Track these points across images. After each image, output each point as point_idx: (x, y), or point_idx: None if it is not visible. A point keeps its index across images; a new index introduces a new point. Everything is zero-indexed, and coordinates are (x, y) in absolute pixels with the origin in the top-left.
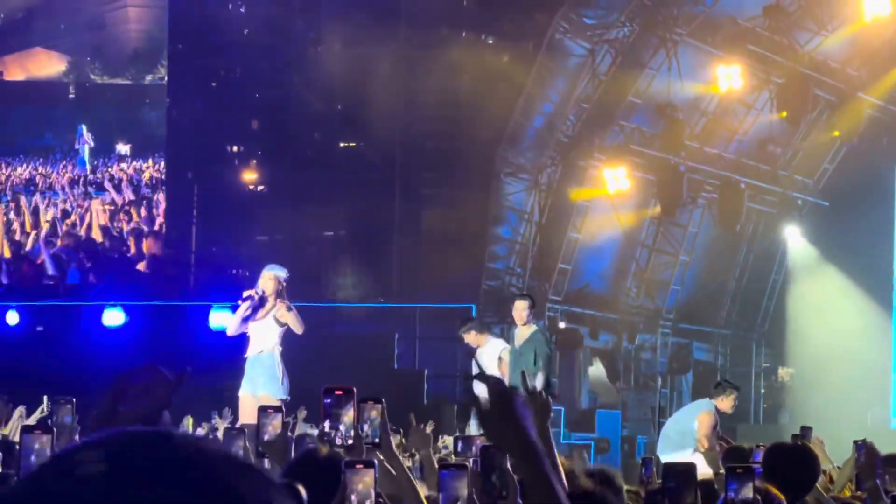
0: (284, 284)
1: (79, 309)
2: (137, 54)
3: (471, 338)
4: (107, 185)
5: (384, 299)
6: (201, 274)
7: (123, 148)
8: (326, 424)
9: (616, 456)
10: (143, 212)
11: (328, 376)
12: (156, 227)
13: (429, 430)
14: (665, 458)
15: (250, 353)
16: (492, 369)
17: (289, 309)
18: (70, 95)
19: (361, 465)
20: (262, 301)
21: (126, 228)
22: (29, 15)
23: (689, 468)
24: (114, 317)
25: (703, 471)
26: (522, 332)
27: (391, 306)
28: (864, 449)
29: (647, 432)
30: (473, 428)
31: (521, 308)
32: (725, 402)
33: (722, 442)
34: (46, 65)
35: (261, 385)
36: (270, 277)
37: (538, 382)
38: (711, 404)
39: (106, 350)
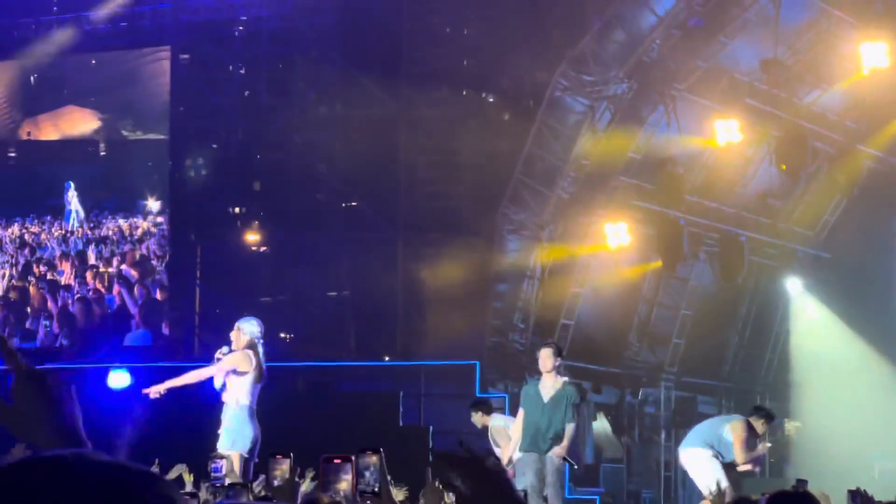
0: (250, 336)
1: (84, 370)
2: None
3: (477, 418)
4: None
5: (389, 358)
6: (205, 335)
7: (154, 204)
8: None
9: None
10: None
11: (333, 434)
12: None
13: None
14: (685, 451)
15: (244, 404)
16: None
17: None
18: (101, 153)
19: None
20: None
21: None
22: (62, 73)
23: None
24: (119, 378)
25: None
26: (549, 382)
27: (396, 364)
28: (858, 498)
29: (652, 486)
30: None
31: (546, 356)
32: (759, 425)
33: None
34: (79, 122)
35: (222, 437)
36: (236, 329)
37: (569, 433)
38: (745, 419)
39: (112, 411)
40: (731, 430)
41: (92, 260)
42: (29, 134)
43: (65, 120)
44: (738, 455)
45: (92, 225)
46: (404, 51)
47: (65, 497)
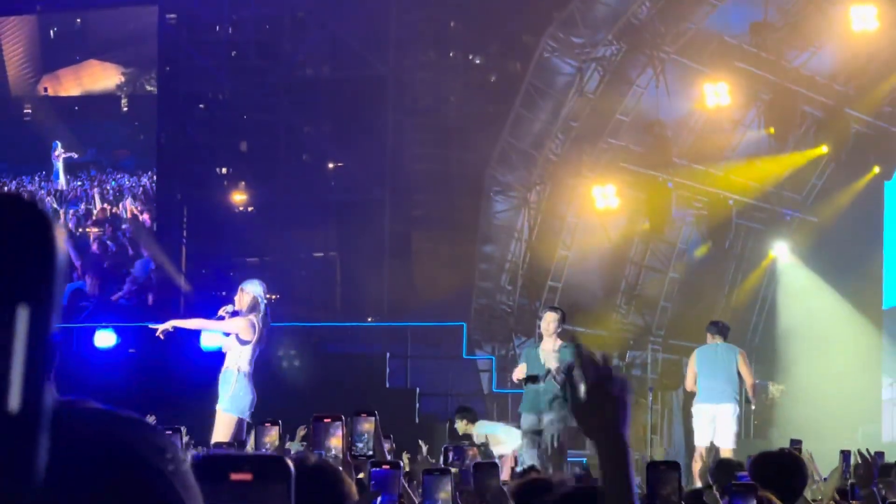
0: (253, 297)
1: (70, 330)
2: None
3: (461, 426)
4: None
5: (374, 319)
6: (190, 295)
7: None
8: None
9: None
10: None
11: (321, 395)
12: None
13: (423, 450)
14: (712, 406)
15: (244, 369)
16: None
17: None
18: (123, 109)
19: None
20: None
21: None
22: (84, 26)
23: None
24: (105, 338)
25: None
26: (549, 345)
27: (382, 325)
28: (862, 458)
29: (638, 448)
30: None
31: (551, 320)
32: (721, 338)
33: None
34: (101, 77)
35: (218, 400)
36: (240, 290)
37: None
38: (736, 348)
39: (98, 371)
40: (741, 363)
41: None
42: (46, 90)
43: (87, 74)
44: (748, 379)
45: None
46: (392, 13)
47: (51, 444)
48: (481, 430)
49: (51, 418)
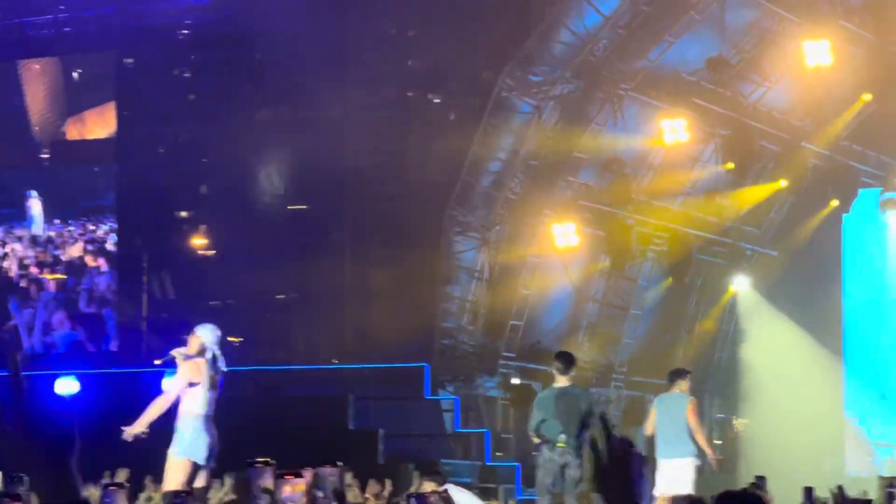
0: (201, 343)
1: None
2: None
3: (429, 487)
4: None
5: (338, 361)
6: (152, 340)
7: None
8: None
9: None
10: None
11: (284, 438)
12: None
13: (387, 490)
14: (674, 461)
15: (196, 413)
16: None
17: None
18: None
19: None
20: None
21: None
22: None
23: None
24: (67, 385)
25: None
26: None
27: (345, 367)
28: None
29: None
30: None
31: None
32: (685, 385)
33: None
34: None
35: (175, 443)
36: (192, 334)
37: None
38: (687, 396)
39: (60, 418)
40: (689, 415)
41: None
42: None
43: (105, 118)
44: (698, 432)
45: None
46: (349, 53)
47: None
48: (457, 496)
49: None
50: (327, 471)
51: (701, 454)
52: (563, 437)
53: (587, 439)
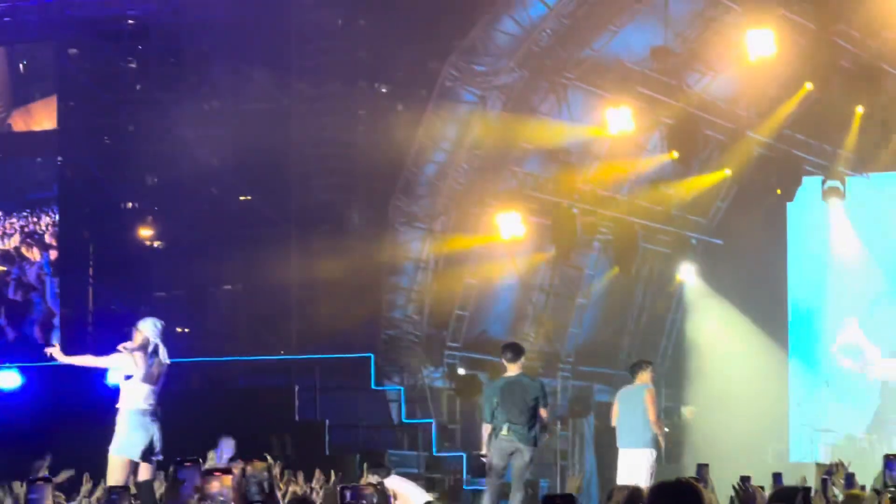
0: (148, 339)
1: None
2: None
3: (373, 481)
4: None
5: (284, 352)
6: (100, 332)
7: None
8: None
9: None
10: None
11: (230, 430)
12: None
13: (332, 481)
14: (630, 451)
15: (131, 408)
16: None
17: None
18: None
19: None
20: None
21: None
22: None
23: None
24: (9, 378)
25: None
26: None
27: (291, 358)
28: (741, 489)
29: (549, 475)
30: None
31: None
32: (646, 376)
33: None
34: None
35: (147, 449)
36: (135, 329)
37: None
38: (646, 385)
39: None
40: (647, 404)
41: None
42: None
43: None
44: (655, 424)
45: None
46: (294, 44)
47: None
48: (392, 485)
49: None
50: (255, 465)
51: (657, 444)
52: (506, 425)
53: (539, 426)
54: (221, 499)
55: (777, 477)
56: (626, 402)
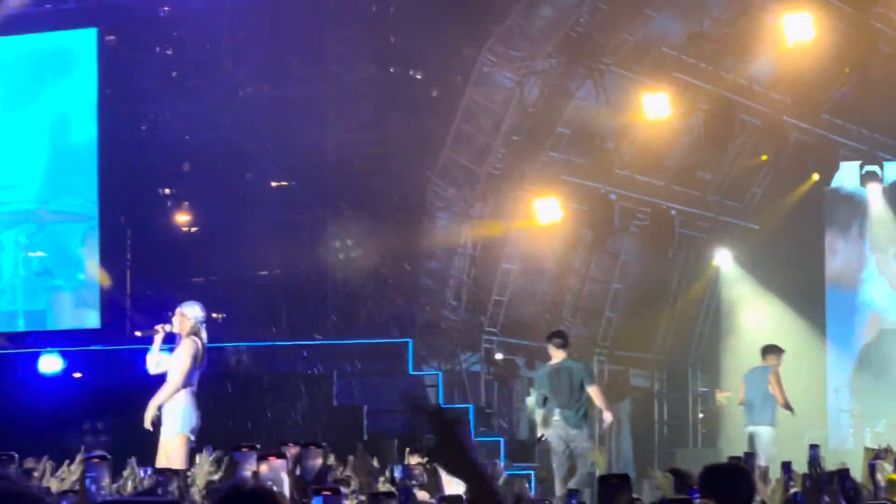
0: (194, 321)
1: (13, 356)
2: None
3: (415, 459)
4: None
5: (321, 337)
6: (137, 317)
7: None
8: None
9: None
10: None
11: (268, 416)
12: None
13: (371, 466)
14: (750, 427)
15: (189, 390)
16: None
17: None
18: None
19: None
20: (171, 338)
21: None
22: None
23: None
24: (51, 363)
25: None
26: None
27: (328, 343)
28: (809, 475)
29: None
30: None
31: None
32: (774, 359)
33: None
34: None
35: (168, 422)
36: (179, 314)
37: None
38: (770, 366)
39: (44, 398)
40: (773, 384)
41: None
42: None
43: None
44: (781, 401)
45: None
46: (330, 30)
47: None
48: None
49: None
50: (311, 451)
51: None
52: (557, 411)
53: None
54: (271, 480)
55: (813, 449)
56: (752, 381)
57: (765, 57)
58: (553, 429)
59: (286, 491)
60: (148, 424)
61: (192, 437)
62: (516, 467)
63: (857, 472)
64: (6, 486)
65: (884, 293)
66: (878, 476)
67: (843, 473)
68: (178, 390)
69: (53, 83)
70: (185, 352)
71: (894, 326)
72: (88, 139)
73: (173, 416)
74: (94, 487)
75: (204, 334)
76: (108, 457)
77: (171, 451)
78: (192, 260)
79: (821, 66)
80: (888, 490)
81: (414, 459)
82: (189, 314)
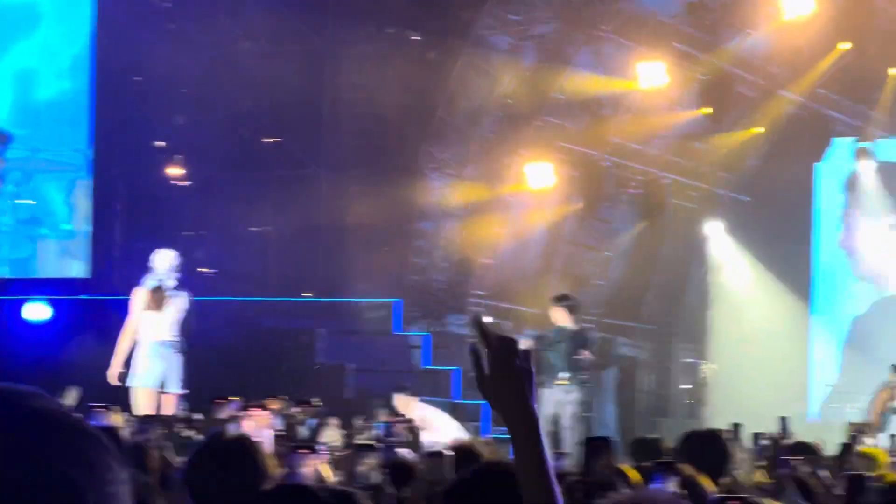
0: (156, 270)
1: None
2: None
3: (400, 402)
4: None
5: (311, 294)
6: (127, 269)
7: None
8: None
9: None
10: None
11: (253, 370)
12: None
13: (355, 424)
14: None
15: (146, 341)
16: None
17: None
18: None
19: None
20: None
21: None
22: None
23: None
24: (37, 310)
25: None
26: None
27: (317, 301)
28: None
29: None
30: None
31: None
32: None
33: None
34: None
35: (168, 380)
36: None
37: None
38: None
39: (30, 345)
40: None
41: None
42: None
43: None
44: (873, 416)
45: None
46: None
47: None
48: (422, 413)
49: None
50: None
51: None
52: (563, 374)
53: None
54: (254, 434)
55: (783, 421)
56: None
57: (762, 30)
58: (552, 392)
59: (268, 444)
60: (112, 379)
61: (151, 388)
62: (502, 431)
63: (833, 447)
64: (48, 406)
65: (876, 266)
66: (857, 448)
67: (804, 446)
68: (124, 344)
69: (45, 30)
70: (137, 299)
71: (886, 300)
72: (78, 88)
73: (131, 367)
74: None
75: (171, 282)
76: (108, 407)
77: (132, 400)
78: (184, 214)
79: (818, 40)
80: (864, 464)
81: (399, 401)
82: (152, 261)
